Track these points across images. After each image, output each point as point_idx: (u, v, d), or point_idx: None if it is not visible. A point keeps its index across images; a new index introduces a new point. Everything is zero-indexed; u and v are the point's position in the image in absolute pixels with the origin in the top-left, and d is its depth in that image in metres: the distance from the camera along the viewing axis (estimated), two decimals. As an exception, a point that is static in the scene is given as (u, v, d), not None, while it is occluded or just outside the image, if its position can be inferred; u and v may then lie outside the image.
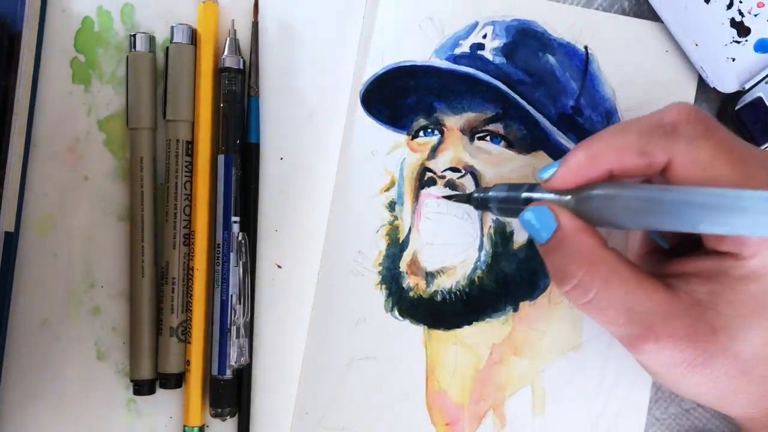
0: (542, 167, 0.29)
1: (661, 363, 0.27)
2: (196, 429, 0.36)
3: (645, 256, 0.32)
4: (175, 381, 0.36)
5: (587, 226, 0.27)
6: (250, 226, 0.37)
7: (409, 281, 0.37)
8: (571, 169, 0.28)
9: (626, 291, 0.26)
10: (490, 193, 0.32)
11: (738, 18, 0.35)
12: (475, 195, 0.33)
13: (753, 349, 0.26)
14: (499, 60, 0.37)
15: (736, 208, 0.22)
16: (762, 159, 0.26)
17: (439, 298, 0.37)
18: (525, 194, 0.30)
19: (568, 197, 0.27)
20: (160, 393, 0.37)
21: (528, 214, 0.28)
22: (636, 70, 0.37)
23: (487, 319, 0.36)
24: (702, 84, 0.36)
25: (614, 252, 0.27)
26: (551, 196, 0.29)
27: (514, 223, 0.37)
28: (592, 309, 0.27)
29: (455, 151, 0.37)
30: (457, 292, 0.37)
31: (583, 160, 0.27)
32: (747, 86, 0.35)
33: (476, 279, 0.36)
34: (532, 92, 0.37)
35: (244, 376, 0.36)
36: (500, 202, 0.31)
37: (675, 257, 0.29)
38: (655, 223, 0.24)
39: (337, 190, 0.37)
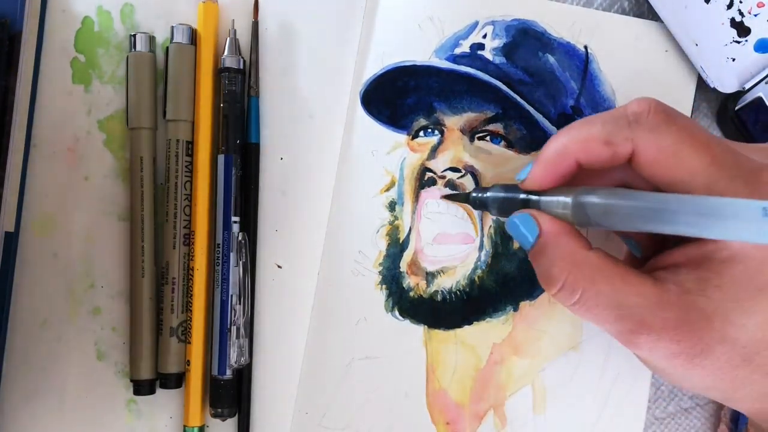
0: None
1: (659, 356, 0.27)
2: (196, 429, 0.36)
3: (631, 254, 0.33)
4: (175, 381, 0.36)
5: (569, 229, 0.28)
6: (250, 226, 0.37)
7: (410, 281, 0.37)
8: (543, 167, 0.29)
9: (612, 288, 0.26)
10: (488, 194, 0.32)
11: (738, 18, 0.36)
12: (474, 195, 0.33)
13: (750, 334, 0.25)
14: (499, 60, 0.37)
15: (724, 216, 0.22)
16: (725, 143, 0.27)
17: (439, 297, 0.37)
18: (523, 195, 0.30)
19: (567, 200, 0.28)
20: (160, 393, 0.37)
21: (513, 220, 0.29)
22: (636, 69, 0.37)
23: (488, 319, 0.36)
24: (702, 84, 0.36)
25: (598, 251, 0.27)
26: (549, 198, 0.29)
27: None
28: (580, 309, 0.27)
29: (455, 151, 0.37)
30: (458, 292, 0.37)
31: (552, 156, 0.28)
32: (747, 86, 0.35)
33: (476, 279, 0.36)
34: (532, 92, 0.37)
35: (244, 376, 0.36)
36: (499, 202, 0.32)
37: (662, 250, 0.29)
38: (645, 227, 0.24)
39: (337, 190, 0.37)
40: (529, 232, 0.29)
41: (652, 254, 0.29)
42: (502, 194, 0.31)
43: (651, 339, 0.26)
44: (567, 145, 0.28)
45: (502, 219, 0.35)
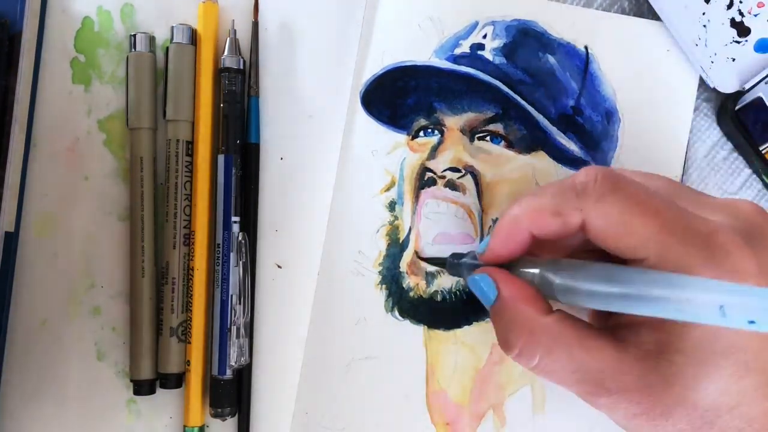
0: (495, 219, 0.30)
1: (620, 415, 0.27)
2: (196, 429, 0.36)
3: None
4: (175, 381, 0.36)
5: (527, 293, 0.28)
6: (250, 226, 0.37)
7: (410, 281, 0.37)
8: (499, 241, 0.29)
9: (570, 355, 0.26)
10: (462, 260, 0.32)
11: (738, 18, 0.36)
12: (449, 260, 0.33)
13: (711, 399, 0.25)
14: (499, 60, 0.37)
15: (680, 299, 0.21)
16: (676, 206, 0.26)
17: (439, 298, 0.37)
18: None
19: (534, 271, 0.28)
20: (160, 393, 0.37)
21: (474, 278, 0.30)
22: (636, 69, 0.37)
23: (487, 319, 0.36)
24: (702, 84, 0.36)
25: (557, 316, 0.27)
26: (519, 270, 0.29)
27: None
28: (540, 373, 0.28)
29: (455, 151, 0.37)
30: (457, 292, 0.37)
31: (506, 229, 0.29)
32: (747, 86, 0.35)
33: (476, 279, 0.36)
34: (532, 92, 0.37)
35: (244, 376, 0.36)
36: (471, 270, 0.31)
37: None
38: (606, 308, 0.24)
39: (337, 190, 0.37)
40: (489, 292, 0.29)
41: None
42: (474, 262, 0.31)
43: (610, 401, 0.26)
44: (518, 217, 0.28)
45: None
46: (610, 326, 0.28)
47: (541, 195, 0.28)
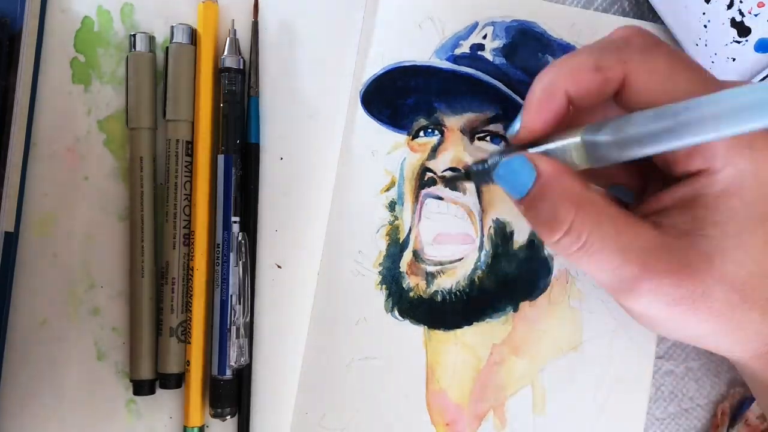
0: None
1: (660, 305, 0.25)
2: (196, 429, 0.36)
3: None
4: (175, 381, 0.36)
5: (569, 169, 0.26)
6: (250, 226, 0.37)
7: (409, 281, 0.37)
8: (535, 109, 0.27)
9: (617, 231, 0.25)
10: (490, 161, 0.30)
11: (738, 18, 0.36)
12: (474, 167, 0.31)
13: (747, 269, 0.24)
14: (499, 60, 0.37)
15: (753, 104, 0.19)
16: (709, 72, 0.26)
17: (439, 298, 0.37)
18: (523, 152, 0.28)
19: (575, 140, 0.26)
20: (160, 393, 0.37)
21: (504, 167, 0.27)
22: (636, 70, 0.37)
23: (487, 319, 0.36)
24: (702, 84, 0.37)
25: (599, 193, 0.26)
26: (553, 145, 0.27)
27: (513, 223, 0.37)
28: (583, 255, 0.26)
29: (455, 151, 0.37)
30: (457, 292, 0.37)
31: (541, 94, 0.27)
32: (747, 86, 0.35)
33: (476, 279, 0.36)
34: (532, 92, 0.37)
35: (244, 376, 0.36)
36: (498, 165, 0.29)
37: (645, 198, 0.28)
38: (668, 146, 0.22)
39: (337, 190, 0.37)
40: (526, 175, 0.26)
41: (636, 201, 0.28)
42: (501, 158, 0.28)
43: (653, 285, 0.25)
44: (555, 79, 0.26)
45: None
46: (643, 214, 0.27)
47: (577, 53, 0.27)
